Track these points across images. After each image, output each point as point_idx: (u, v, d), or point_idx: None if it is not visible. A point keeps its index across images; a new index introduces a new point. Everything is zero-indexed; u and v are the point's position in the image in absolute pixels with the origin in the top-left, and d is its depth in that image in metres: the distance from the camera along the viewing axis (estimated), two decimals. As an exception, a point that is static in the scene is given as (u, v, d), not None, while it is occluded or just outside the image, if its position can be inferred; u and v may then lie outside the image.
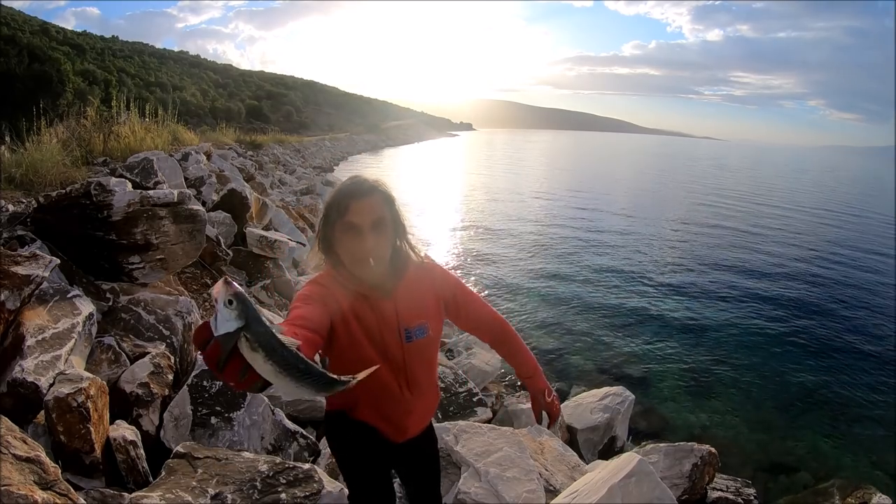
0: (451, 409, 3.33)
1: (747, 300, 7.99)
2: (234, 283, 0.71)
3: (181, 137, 6.48)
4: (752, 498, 3.09)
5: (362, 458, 1.30)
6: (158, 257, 2.89)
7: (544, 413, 1.41)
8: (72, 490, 1.37)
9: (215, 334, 0.67)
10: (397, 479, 1.66)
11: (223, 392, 2.29)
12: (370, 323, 1.16)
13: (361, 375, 0.87)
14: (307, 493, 1.79)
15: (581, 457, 3.23)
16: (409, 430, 1.30)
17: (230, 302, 0.68)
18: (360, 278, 1.14)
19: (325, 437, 2.59)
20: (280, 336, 0.73)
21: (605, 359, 5.71)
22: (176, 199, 2.97)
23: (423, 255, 1.26)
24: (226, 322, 0.68)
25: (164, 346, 2.43)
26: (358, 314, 1.15)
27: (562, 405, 4.07)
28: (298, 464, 1.94)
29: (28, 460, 1.33)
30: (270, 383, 0.74)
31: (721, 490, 3.08)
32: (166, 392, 2.22)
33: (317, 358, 1.04)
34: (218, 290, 0.70)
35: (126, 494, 1.65)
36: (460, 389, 3.50)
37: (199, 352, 0.76)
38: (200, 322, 0.80)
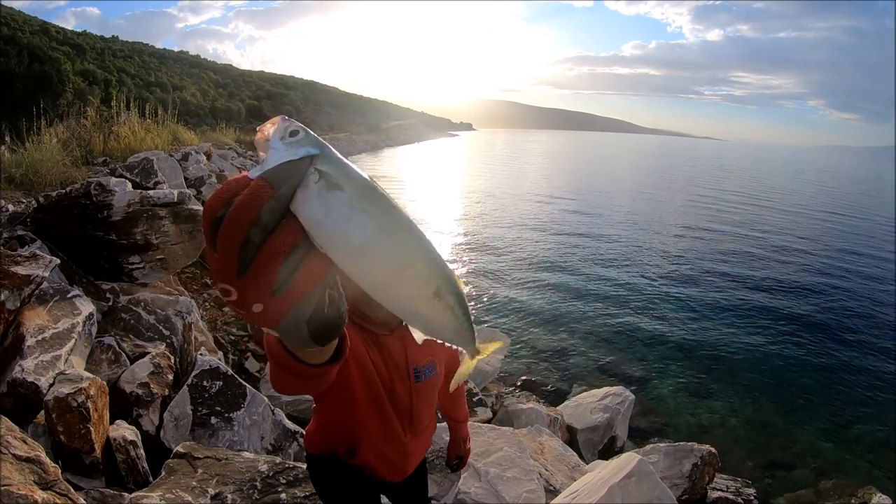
0: (451, 409, 3.33)
1: (747, 300, 7.99)
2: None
3: (181, 137, 6.48)
4: (752, 498, 3.09)
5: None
6: (158, 257, 2.89)
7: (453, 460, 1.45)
8: (72, 490, 1.37)
9: (262, 170, 0.37)
10: None
11: (223, 392, 2.29)
12: (376, 361, 1.06)
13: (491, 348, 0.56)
14: (307, 493, 1.79)
15: (581, 457, 3.23)
16: (409, 470, 1.24)
17: (294, 133, 0.40)
18: (366, 311, 1.04)
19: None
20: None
21: (605, 359, 5.72)
22: (176, 199, 2.98)
23: None
24: (284, 155, 0.38)
25: (164, 346, 2.43)
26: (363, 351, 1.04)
27: (562, 405, 4.07)
28: (298, 464, 1.94)
29: (28, 460, 1.33)
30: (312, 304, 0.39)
31: (721, 490, 3.08)
32: (166, 392, 2.22)
33: None
34: (270, 126, 0.41)
35: (126, 494, 1.65)
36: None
37: (216, 226, 0.37)
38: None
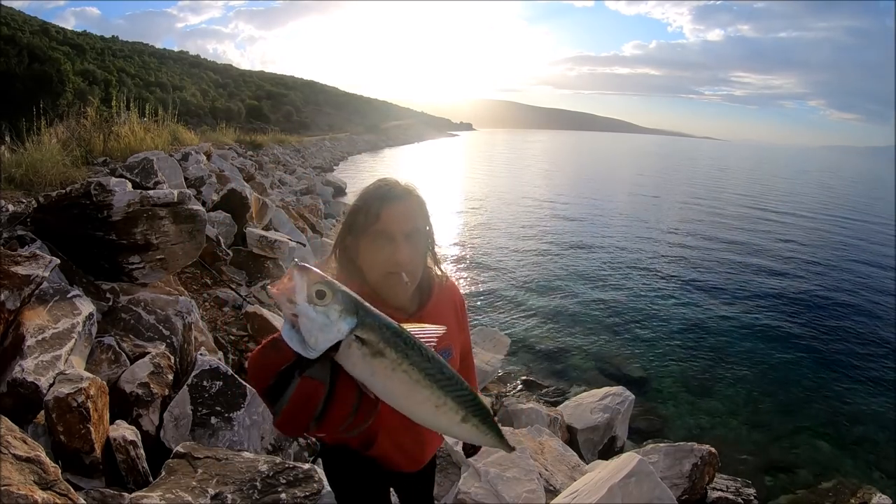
0: (451, 409, 3.33)
1: (747, 300, 7.99)
2: (311, 266, 0.44)
3: (181, 137, 6.48)
4: (752, 498, 3.09)
5: (370, 497, 1.23)
6: (158, 257, 2.89)
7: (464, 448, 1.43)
8: (72, 490, 1.37)
9: (312, 353, 0.41)
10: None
11: (223, 392, 2.29)
12: None
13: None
14: (307, 493, 1.79)
15: (581, 457, 3.23)
16: (424, 460, 1.23)
17: (321, 294, 0.42)
18: (386, 297, 0.99)
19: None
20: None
21: (605, 359, 5.72)
22: (176, 199, 2.97)
23: (444, 272, 1.17)
24: (325, 328, 0.41)
25: (164, 346, 2.43)
26: None
27: (562, 405, 4.07)
28: (298, 464, 1.93)
29: (28, 460, 1.33)
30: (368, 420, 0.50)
31: (721, 490, 3.08)
32: (166, 392, 2.22)
33: None
34: (289, 282, 0.42)
35: (126, 494, 1.65)
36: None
37: (271, 401, 0.48)
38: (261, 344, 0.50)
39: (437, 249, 1.11)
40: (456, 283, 1.25)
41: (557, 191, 21.26)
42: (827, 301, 8.19)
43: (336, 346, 0.43)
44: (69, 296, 2.17)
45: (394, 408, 0.51)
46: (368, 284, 0.99)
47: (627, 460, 2.24)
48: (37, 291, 2.09)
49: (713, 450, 3.09)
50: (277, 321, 3.32)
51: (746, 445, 4.28)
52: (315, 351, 0.42)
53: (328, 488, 1.83)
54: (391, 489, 1.34)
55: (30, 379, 1.77)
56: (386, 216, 0.96)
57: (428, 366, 0.48)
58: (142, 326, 2.50)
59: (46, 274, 2.15)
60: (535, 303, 7.40)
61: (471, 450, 1.47)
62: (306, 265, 0.45)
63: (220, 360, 2.54)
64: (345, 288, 0.46)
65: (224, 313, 3.54)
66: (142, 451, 1.88)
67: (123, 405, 2.08)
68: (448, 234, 11.68)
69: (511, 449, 0.69)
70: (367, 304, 0.48)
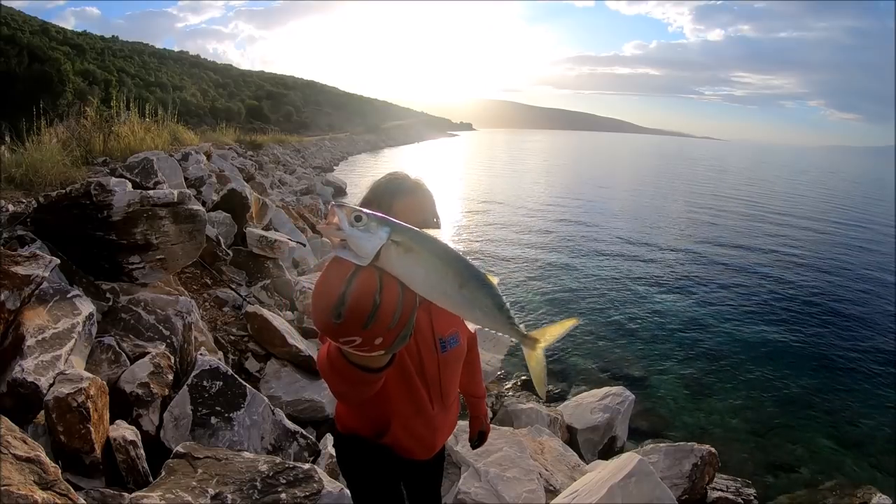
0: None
1: (747, 301, 7.99)
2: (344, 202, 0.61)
3: (181, 137, 6.48)
4: (752, 498, 3.10)
5: (381, 486, 1.24)
6: (158, 257, 2.89)
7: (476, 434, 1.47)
8: (72, 490, 1.37)
9: (364, 260, 0.55)
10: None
11: (223, 392, 2.30)
12: None
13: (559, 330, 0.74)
14: (307, 493, 1.79)
15: (581, 457, 3.23)
16: (437, 447, 1.26)
17: (358, 218, 0.57)
18: None
19: (324, 438, 2.59)
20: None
21: (605, 359, 5.71)
22: (176, 199, 2.97)
23: None
24: (370, 237, 0.56)
25: (164, 346, 2.43)
26: None
27: (562, 405, 4.07)
28: (298, 464, 1.93)
29: (28, 460, 1.33)
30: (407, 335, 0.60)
31: (721, 490, 3.08)
32: (166, 392, 2.22)
33: None
34: (333, 217, 0.58)
35: (126, 494, 1.65)
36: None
37: (332, 312, 0.56)
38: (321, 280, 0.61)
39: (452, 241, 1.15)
40: None
41: (557, 191, 21.26)
42: (827, 301, 8.19)
43: (377, 256, 0.56)
44: (69, 296, 2.17)
45: (424, 296, 0.60)
46: None
47: (627, 460, 2.24)
48: (37, 291, 2.09)
49: (713, 450, 3.09)
50: (277, 322, 3.33)
51: (746, 445, 4.28)
52: (366, 258, 0.56)
53: (328, 488, 1.83)
54: (401, 484, 1.36)
55: (30, 379, 1.77)
56: (397, 210, 1.00)
57: (438, 249, 0.60)
58: (142, 326, 2.50)
59: (46, 274, 2.15)
60: (535, 303, 7.40)
61: (476, 442, 1.49)
62: (341, 202, 0.61)
63: (220, 360, 2.54)
64: (371, 211, 0.59)
65: (224, 313, 3.54)
66: (142, 451, 1.88)
67: (123, 405, 2.08)
68: (447, 233, 11.68)
69: (531, 340, 0.72)
70: (391, 217, 0.60)
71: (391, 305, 0.56)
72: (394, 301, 0.56)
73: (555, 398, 4.71)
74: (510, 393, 4.56)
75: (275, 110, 40.30)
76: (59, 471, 1.38)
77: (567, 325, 0.73)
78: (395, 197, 1.03)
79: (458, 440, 2.59)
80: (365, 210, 0.58)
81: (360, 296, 0.55)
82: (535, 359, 0.73)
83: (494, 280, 0.67)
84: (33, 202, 2.80)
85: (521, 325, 0.71)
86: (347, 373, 0.66)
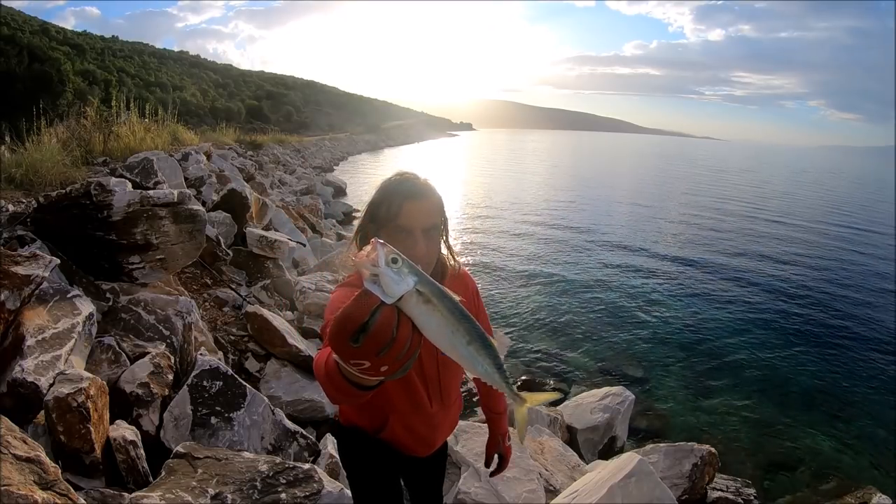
0: (451, 409, 3.33)
1: (748, 300, 7.99)
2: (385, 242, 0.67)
3: (181, 137, 6.48)
4: (752, 498, 3.09)
5: (379, 480, 1.26)
6: (158, 257, 2.89)
7: (495, 458, 1.40)
8: (72, 490, 1.37)
9: (390, 299, 0.62)
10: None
11: (223, 392, 2.29)
12: None
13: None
14: (307, 493, 1.79)
15: (581, 457, 3.23)
16: (436, 444, 1.27)
17: (395, 260, 0.64)
18: None
19: (324, 438, 2.59)
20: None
21: (605, 359, 5.71)
22: (176, 199, 2.97)
23: (458, 261, 1.23)
24: (400, 281, 0.63)
25: (164, 346, 2.43)
26: None
27: (562, 405, 4.07)
28: (298, 464, 1.93)
29: (28, 460, 1.33)
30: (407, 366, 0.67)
31: (721, 490, 3.08)
32: (166, 392, 2.22)
33: None
34: (372, 253, 0.64)
35: (126, 494, 1.65)
36: (460, 389, 3.50)
37: (351, 336, 0.62)
38: (343, 302, 0.68)
39: (451, 241, 1.18)
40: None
41: (557, 191, 21.26)
42: (827, 301, 8.19)
43: (400, 298, 0.63)
44: (69, 296, 2.17)
45: (435, 343, 0.69)
46: None
47: (627, 460, 2.24)
48: (37, 291, 2.09)
49: (713, 450, 3.09)
50: (277, 322, 3.33)
51: (746, 445, 4.28)
52: (392, 298, 0.63)
53: (328, 488, 1.83)
54: (400, 480, 1.37)
55: (30, 379, 1.77)
56: (406, 212, 1.01)
57: (459, 313, 0.68)
58: (142, 326, 2.50)
59: (46, 274, 2.15)
60: (535, 303, 7.40)
61: (497, 465, 1.40)
62: (382, 241, 0.66)
63: (220, 360, 2.54)
64: (406, 258, 0.67)
65: (224, 313, 3.54)
66: (142, 451, 1.88)
67: (123, 405, 2.08)
68: (448, 233, 11.65)
69: (521, 401, 0.84)
70: (419, 268, 0.68)
71: (403, 341, 0.63)
72: (406, 338, 0.64)
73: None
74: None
75: (275, 110, 40.30)
76: (59, 471, 1.38)
77: (552, 395, 0.86)
78: (405, 200, 1.02)
79: (457, 440, 2.60)
80: (402, 255, 0.65)
81: (381, 328, 0.62)
82: (521, 414, 0.88)
83: (495, 342, 0.77)
84: (33, 202, 2.80)
85: (514, 386, 0.82)
86: (342, 386, 0.71)
